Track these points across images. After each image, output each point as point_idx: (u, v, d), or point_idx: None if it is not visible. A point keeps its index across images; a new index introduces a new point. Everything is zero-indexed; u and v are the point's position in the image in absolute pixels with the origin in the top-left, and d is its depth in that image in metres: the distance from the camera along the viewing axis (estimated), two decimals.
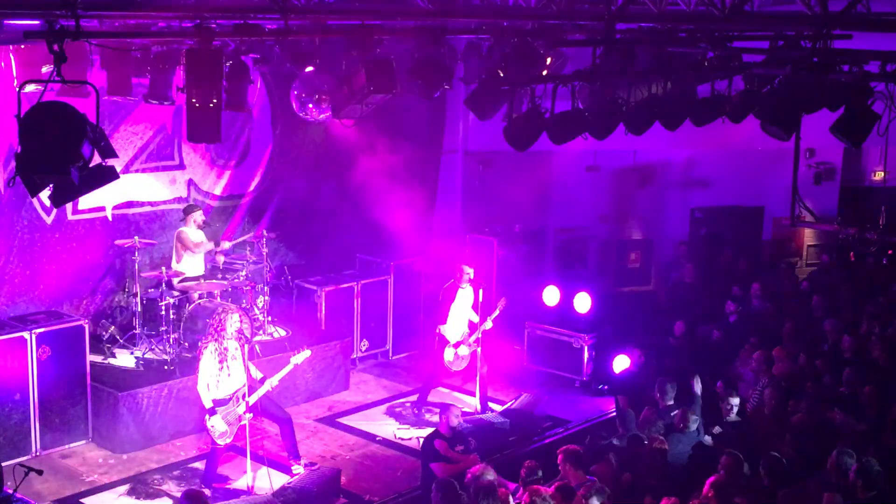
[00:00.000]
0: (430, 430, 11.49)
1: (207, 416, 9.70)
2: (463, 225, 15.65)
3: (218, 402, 9.67)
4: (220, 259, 12.39)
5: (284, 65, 10.88)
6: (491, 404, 12.17)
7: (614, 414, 11.44)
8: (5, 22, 8.17)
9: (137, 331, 11.69)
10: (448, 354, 11.89)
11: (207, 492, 9.52)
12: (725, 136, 12.32)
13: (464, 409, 12.07)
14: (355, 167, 14.31)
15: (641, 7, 9.12)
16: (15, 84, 9.84)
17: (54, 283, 11.88)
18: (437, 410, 12.01)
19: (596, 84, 9.73)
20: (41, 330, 10.62)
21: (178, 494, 9.96)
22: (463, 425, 10.07)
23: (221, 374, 9.66)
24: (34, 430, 10.60)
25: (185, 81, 7.69)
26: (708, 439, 9.72)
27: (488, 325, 11.92)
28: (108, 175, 7.43)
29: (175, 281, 11.77)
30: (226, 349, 9.67)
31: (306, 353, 10.21)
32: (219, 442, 9.75)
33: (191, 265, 12.05)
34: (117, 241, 12.07)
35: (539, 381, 13.19)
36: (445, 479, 8.17)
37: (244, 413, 9.62)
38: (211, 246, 12.11)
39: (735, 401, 9.92)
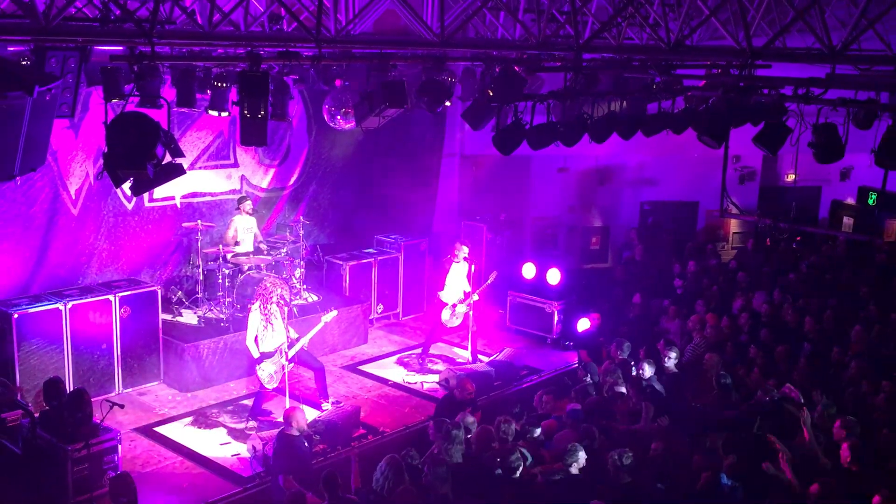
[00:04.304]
0: (430, 376, 11.57)
1: (257, 365, 9.70)
2: (459, 213, 15.61)
3: (265, 355, 9.66)
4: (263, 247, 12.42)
5: (318, 84, 10.87)
6: (480, 356, 12.18)
7: (577, 365, 11.47)
8: (96, 48, 8.14)
9: (199, 295, 11.68)
10: (445, 314, 11.89)
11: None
12: (669, 144, 12.26)
13: (457, 360, 12.18)
14: (373, 166, 14.26)
15: (603, 41, 9.12)
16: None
17: (134, 257, 11.88)
18: (438, 361, 12.08)
19: (566, 102, 9.70)
20: (123, 293, 10.61)
21: (232, 424, 10.04)
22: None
23: (267, 332, 9.64)
24: (117, 373, 10.63)
25: (239, 96, 7.64)
26: (660, 386, 9.66)
27: (475, 297, 11.88)
28: (177, 171, 7.41)
29: (229, 256, 11.78)
30: (270, 311, 9.67)
31: (334, 313, 10.19)
32: (267, 386, 9.72)
33: (242, 244, 12.06)
34: (184, 224, 12.05)
35: (518, 338, 13.21)
36: (440, 420, 8.01)
37: (286, 362, 9.65)
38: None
39: (673, 354, 9.90)
